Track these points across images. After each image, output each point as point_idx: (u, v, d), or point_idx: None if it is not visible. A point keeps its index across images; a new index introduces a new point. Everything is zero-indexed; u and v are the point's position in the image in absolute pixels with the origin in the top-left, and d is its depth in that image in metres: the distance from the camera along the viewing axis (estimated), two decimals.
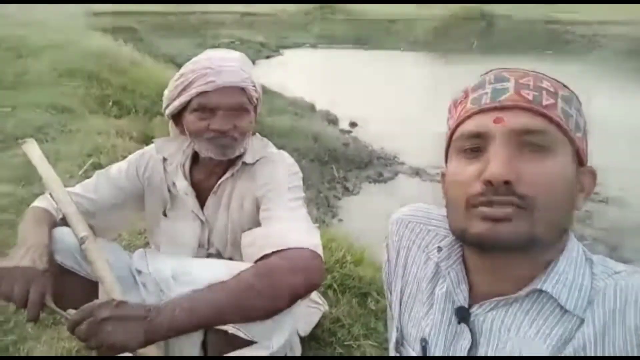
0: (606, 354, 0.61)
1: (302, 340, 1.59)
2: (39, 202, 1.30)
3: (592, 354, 0.61)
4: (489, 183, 0.64)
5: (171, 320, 0.93)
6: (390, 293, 0.89)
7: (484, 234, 0.65)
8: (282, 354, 1.41)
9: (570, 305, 0.64)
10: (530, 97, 0.66)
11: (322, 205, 5.44)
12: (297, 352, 1.54)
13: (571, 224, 0.69)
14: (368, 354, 1.63)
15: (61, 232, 1.22)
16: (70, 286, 1.20)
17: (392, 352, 0.86)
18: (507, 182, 0.63)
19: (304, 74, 13.39)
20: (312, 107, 9.06)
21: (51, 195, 1.29)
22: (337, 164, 6.51)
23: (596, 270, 0.67)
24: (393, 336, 0.85)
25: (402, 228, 0.86)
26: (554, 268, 0.66)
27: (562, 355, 0.63)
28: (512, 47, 19.27)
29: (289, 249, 1.08)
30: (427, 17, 21.65)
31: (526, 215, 0.63)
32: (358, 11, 24.27)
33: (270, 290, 1.02)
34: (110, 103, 4.75)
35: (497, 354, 0.68)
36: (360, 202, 5.86)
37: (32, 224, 1.21)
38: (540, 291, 0.66)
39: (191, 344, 1.28)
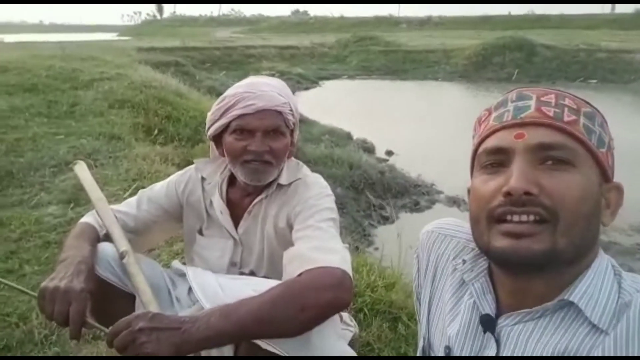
0: None
1: None
2: (85, 218, 1.38)
3: None
4: (508, 195, 0.64)
5: (206, 328, 0.96)
6: (419, 303, 0.90)
7: (505, 250, 0.65)
8: None
9: (596, 317, 0.63)
10: (551, 114, 0.67)
11: (357, 233, 5.42)
12: None
13: (596, 239, 0.68)
14: None
15: (104, 247, 1.28)
16: (110, 298, 1.25)
17: None
18: (527, 194, 0.63)
19: (341, 103, 13.55)
20: (348, 136, 9.12)
21: (97, 213, 1.37)
22: (373, 192, 6.49)
23: (624, 284, 0.66)
24: (420, 345, 0.86)
25: (432, 240, 0.88)
26: (581, 280, 0.66)
27: None
28: (554, 77, 18.87)
29: (319, 267, 1.09)
30: (465, 47, 21.61)
31: (548, 230, 0.63)
32: (395, 42, 24.55)
33: (298, 306, 1.02)
34: (156, 131, 4.98)
35: None
36: (397, 231, 5.79)
37: (76, 239, 1.28)
38: (568, 304, 0.66)
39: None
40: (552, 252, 0.63)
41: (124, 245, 1.27)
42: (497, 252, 0.67)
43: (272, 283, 1.12)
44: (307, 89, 17.51)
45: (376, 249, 5.37)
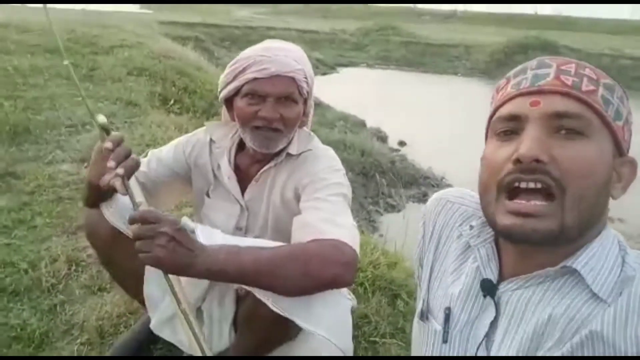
0: (624, 342, 0.60)
1: None
2: None
3: (610, 339, 0.60)
4: (518, 162, 0.64)
5: (211, 261, 0.98)
6: (422, 267, 0.91)
7: (511, 228, 0.66)
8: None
9: (597, 287, 0.64)
10: (569, 83, 0.66)
11: (363, 219, 5.44)
12: None
13: (605, 212, 0.68)
14: (393, 354, 1.63)
15: (119, 198, 1.29)
16: (121, 247, 1.28)
17: (415, 324, 0.87)
18: (537, 161, 0.63)
19: (357, 91, 13.46)
20: (362, 124, 9.10)
21: None
22: (383, 180, 6.49)
23: (628, 259, 0.66)
24: (419, 307, 0.87)
25: (440, 206, 0.89)
26: (585, 250, 0.66)
27: (576, 335, 0.63)
28: None
29: (331, 239, 1.08)
30: (487, 44, 21.30)
31: (556, 209, 0.63)
32: (417, 34, 24.24)
33: (301, 270, 1.03)
34: (172, 101, 5.00)
35: (519, 330, 0.68)
36: (402, 220, 5.80)
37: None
38: (570, 271, 0.66)
39: (224, 313, 1.35)
40: (559, 230, 0.63)
41: (139, 196, 1.29)
42: (503, 229, 0.67)
43: (281, 245, 1.12)
44: (324, 74, 17.39)
45: (381, 235, 5.37)
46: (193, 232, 1.36)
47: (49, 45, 5.70)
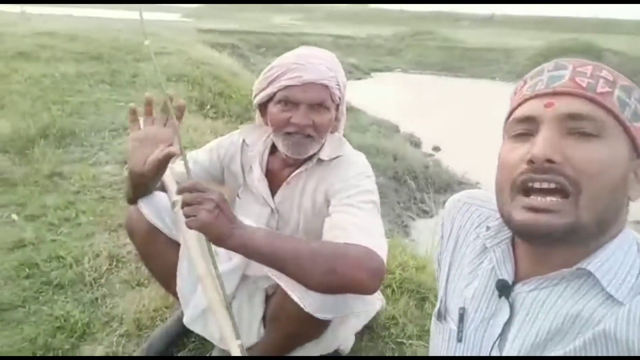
0: (637, 342, 0.59)
1: None
2: None
3: (624, 338, 0.60)
4: (531, 162, 0.64)
5: (246, 238, 1.05)
6: (440, 268, 0.91)
7: (525, 224, 0.66)
8: (338, 340, 1.47)
9: (613, 289, 0.63)
10: (584, 84, 0.66)
11: (394, 223, 5.42)
12: (351, 340, 1.59)
13: (622, 213, 0.68)
14: (420, 354, 1.64)
15: (157, 195, 1.35)
16: (158, 244, 1.36)
17: (433, 323, 0.88)
18: (550, 162, 0.63)
19: (391, 96, 13.43)
20: (396, 129, 9.07)
21: None
22: (416, 185, 6.44)
23: None
24: (436, 307, 0.87)
25: (458, 208, 0.89)
26: (602, 251, 0.66)
27: (589, 332, 0.63)
28: None
29: (363, 246, 1.09)
30: (526, 47, 20.80)
31: (570, 206, 0.63)
32: (454, 39, 23.96)
33: (328, 267, 1.05)
34: (208, 106, 5.14)
35: (532, 330, 0.69)
36: (435, 226, 5.72)
37: None
38: (585, 273, 0.66)
39: (254, 312, 1.39)
40: (574, 226, 0.63)
41: (175, 195, 1.35)
42: (518, 225, 0.67)
43: (316, 240, 1.15)
44: (358, 79, 17.44)
45: (412, 240, 5.35)
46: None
47: (93, 53, 5.97)
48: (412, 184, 6.38)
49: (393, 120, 9.39)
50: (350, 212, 1.20)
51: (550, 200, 0.64)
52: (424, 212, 6.06)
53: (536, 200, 0.65)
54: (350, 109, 9.06)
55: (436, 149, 8.48)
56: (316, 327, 1.22)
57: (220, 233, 1.03)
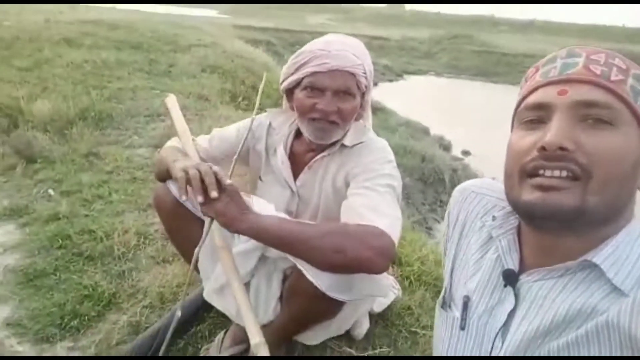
0: None
1: (371, 316, 1.67)
2: (170, 143, 1.53)
3: (627, 328, 0.59)
4: (543, 149, 0.64)
5: (255, 222, 1.09)
6: (446, 256, 0.90)
7: (534, 203, 0.64)
8: (350, 321, 1.49)
9: (619, 280, 0.62)
10: (598, 72, 0.65)
11: (419, 225, 5.39)
12: (365, 325, 1.61)
13: (631, 203, 0.67)
14: (431, 344, 1.64)
15: None
16: (184, 220, 1.40)
17: (437, 311, 0.87)
18: (562, 149, 0.62)
19: (423, 98, 13.32)
20: (425, 131, 9.01)
21: (182, 142, 1.49)
22: (443, 188, 6.39)
23: None
24: (441, 295, 0.87)
25: (464, 197, 0.88)
26: (608, 243, 0.65)
27: (592, 322, 0.62)
28: None
29: (370, 225, 1.11)
30: None
31: (579, 187, 0.62)
32: (492, 43, 23.54)
33: (335, 246, 1.07)
34: (240, 98, 5.25)
35: (535, 320, 0.68)
36: None
37: (173, 150, 1.42)
38: (591, 265, 0.65)
39: (271, 291, 1.42)
40: (581, 209, 0.62)
41: None
42: (526, 204, 0.66)
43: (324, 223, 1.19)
44: (391, 80, 17.36)
45: (437, 243, 5.30)
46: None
47: (133, 42, 6.16)
48: (439, 187, 6.32)
49: (424, 123, 9.32)
50: (365, 195, 1.22)
51: (559, 180, 0.63)
52: None
53: (544, 178, 0.64)
54: (381, 109, 9.04)
55: (466, 153, 8.39)
56: (330, 307, 1.24)
57: (232, 217, 1.09)
